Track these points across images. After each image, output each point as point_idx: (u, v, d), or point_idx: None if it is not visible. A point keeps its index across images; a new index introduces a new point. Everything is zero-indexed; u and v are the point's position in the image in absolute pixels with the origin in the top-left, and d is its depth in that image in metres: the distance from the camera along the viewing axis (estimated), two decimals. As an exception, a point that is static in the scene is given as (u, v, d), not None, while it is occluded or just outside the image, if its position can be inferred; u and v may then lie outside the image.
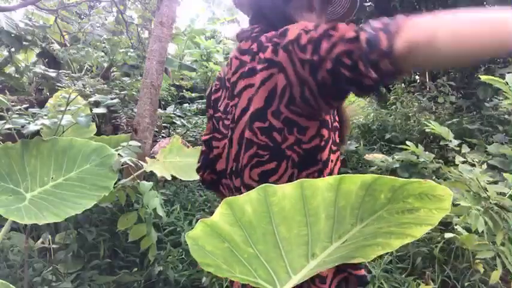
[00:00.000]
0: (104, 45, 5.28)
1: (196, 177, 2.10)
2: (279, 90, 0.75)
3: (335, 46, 0.66)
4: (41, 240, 2.40)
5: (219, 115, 0.94)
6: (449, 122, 4.36)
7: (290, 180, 0.80)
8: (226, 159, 0.93)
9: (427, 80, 6.21)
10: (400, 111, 5.60)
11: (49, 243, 2.39)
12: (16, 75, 4.62)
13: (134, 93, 4.11)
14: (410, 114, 5.37)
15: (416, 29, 0.59)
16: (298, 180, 0.55)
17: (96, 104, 2.64)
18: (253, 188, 0.59)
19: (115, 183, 1.84)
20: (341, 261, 0.68)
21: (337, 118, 0.88)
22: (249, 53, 0.83)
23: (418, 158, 2.94)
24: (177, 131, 4.90)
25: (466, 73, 5.36)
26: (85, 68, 5.42)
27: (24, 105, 2.17)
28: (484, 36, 0.54)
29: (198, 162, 1.10)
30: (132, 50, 4.87)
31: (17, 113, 2.00)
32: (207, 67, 6.68)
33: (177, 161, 2.34)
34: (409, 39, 0.58)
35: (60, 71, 4.25)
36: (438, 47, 0.56)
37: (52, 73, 4.00)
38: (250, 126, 0.80)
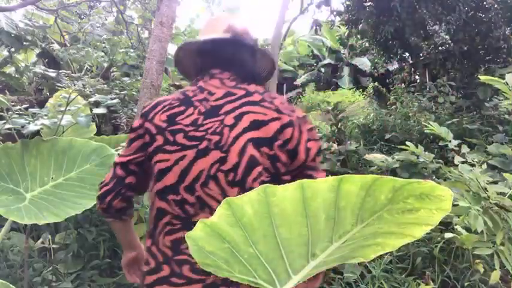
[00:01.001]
0: (104, 45, 5.27)
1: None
2: (286, 137, 0.97)
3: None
4: (41, 240, 2.40)
5: (179, 127, 0.99)
6: (449, 122, 4.36)
7: None
8: (183, 172, 0.96)
9: (427, 80, 6.21)
10: (400, 111, 5.61)
11: (49, 243, 2.39)
12: (16, 75, 4.62)
13: (134, 93, 4.11)
14: (410, 114, 5.37)
15: None
16: (298, 180, 0.55)
17: (96, 104, 2.64)
18: None
19: (115, 183, 1.83)
20: (341, 262, 0.68)
21: None
22: (242, 89, 1.04)
23: (418, 158, 2.93)
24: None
25: (466, 73, 5.36)
26: (85, 68, 5.42)
27: (24, 105, 2.17)
28: None
29: (107, 185, 1.06)
30: (132, 50, 4.87)
31: (17, 113, 2.00)
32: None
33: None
34: None
35: (60, 71, 4.25)
36: None
37: (52, 73, 4.00)
38: (258, 148, 0.95)
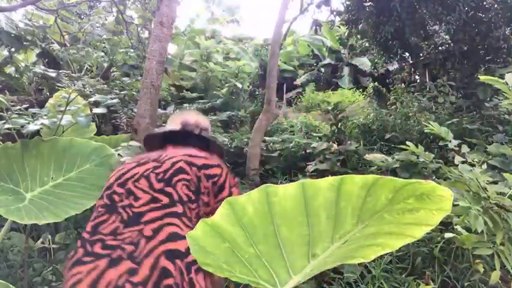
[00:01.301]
0: (104, 45, 5.27)
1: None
2: (214, 172, 1.25)
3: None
4: (41, 240, 2.40)
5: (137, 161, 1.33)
6: (449, 122, 4.36)
7: (199, 208, 1.15)
8: (122, 174, 1.21)
9: (427, 80, 6.22)
10: (400, 111, 5.61)
11: (49, 243, 2.39)
12: (16, 75, 4.62)
13: (134, 93, 4.11)
14: (410, 114, 5.38)
15: None
16: (299, 180, 0.55)
17: (96, 104, 2.64)
18: (172, 195, 1.09)
19: (115, 183, 1.83)
20: (341, 262, 0.68)
21: None
22: (193, 153, 1.33)
23: (418, 158, 2.93)
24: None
25: (466, 73, 5.36)
26: (85, 68, 5.42)
27: (24, 105, 2.17)
28: None
29: None
30: (132, 50, 4.87)
31: (16, 113, 2.00)
32: (207, 67, 6.68)
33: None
34: None
35: (60, 71, 4.24)
36: None
37: (52, 73, 3.99)
38: (188, 165, 1.21)
